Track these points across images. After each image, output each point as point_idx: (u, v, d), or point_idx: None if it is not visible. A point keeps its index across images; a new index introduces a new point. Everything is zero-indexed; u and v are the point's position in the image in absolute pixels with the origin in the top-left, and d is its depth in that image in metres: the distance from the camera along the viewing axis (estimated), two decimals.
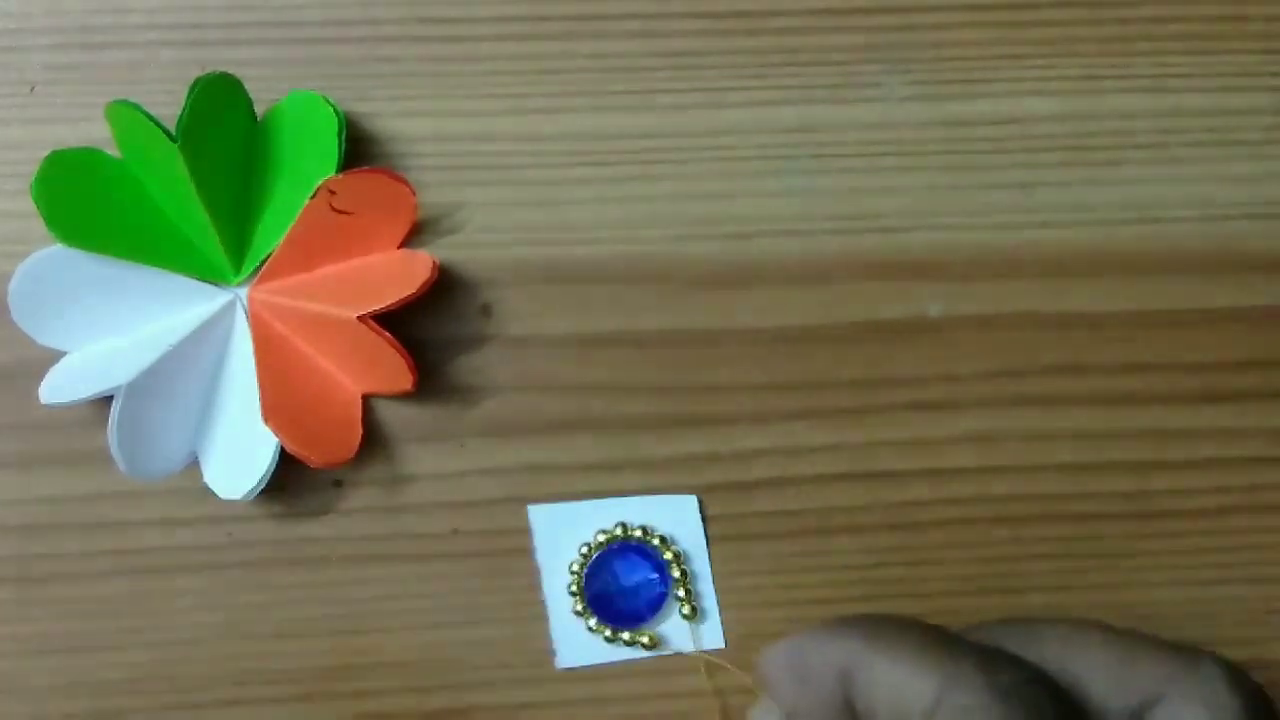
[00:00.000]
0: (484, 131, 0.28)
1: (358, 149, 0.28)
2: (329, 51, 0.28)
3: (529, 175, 0.28)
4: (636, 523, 0.27)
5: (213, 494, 0.26)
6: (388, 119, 0.28)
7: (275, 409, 0.26)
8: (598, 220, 0.28)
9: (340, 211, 0.26)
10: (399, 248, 0.28)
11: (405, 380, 0.27)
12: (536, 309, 0.28)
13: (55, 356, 0.27)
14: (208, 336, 0.27)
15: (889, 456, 0.28)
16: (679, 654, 0.27)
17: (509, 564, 0.27)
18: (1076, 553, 0.28)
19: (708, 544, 0.28)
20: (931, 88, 0.29)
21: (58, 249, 0.26)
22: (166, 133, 0.25)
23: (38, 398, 0.26)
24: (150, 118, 0.25)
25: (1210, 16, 0.30)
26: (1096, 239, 0.29)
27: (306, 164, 0.27)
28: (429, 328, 0.28)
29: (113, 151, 0.26)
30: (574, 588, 0.27)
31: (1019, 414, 0.28)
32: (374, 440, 0.28)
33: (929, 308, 0.29)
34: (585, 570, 0.27)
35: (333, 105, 0.27)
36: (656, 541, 0.27)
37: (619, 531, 0.27)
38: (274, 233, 0.27)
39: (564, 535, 0.27)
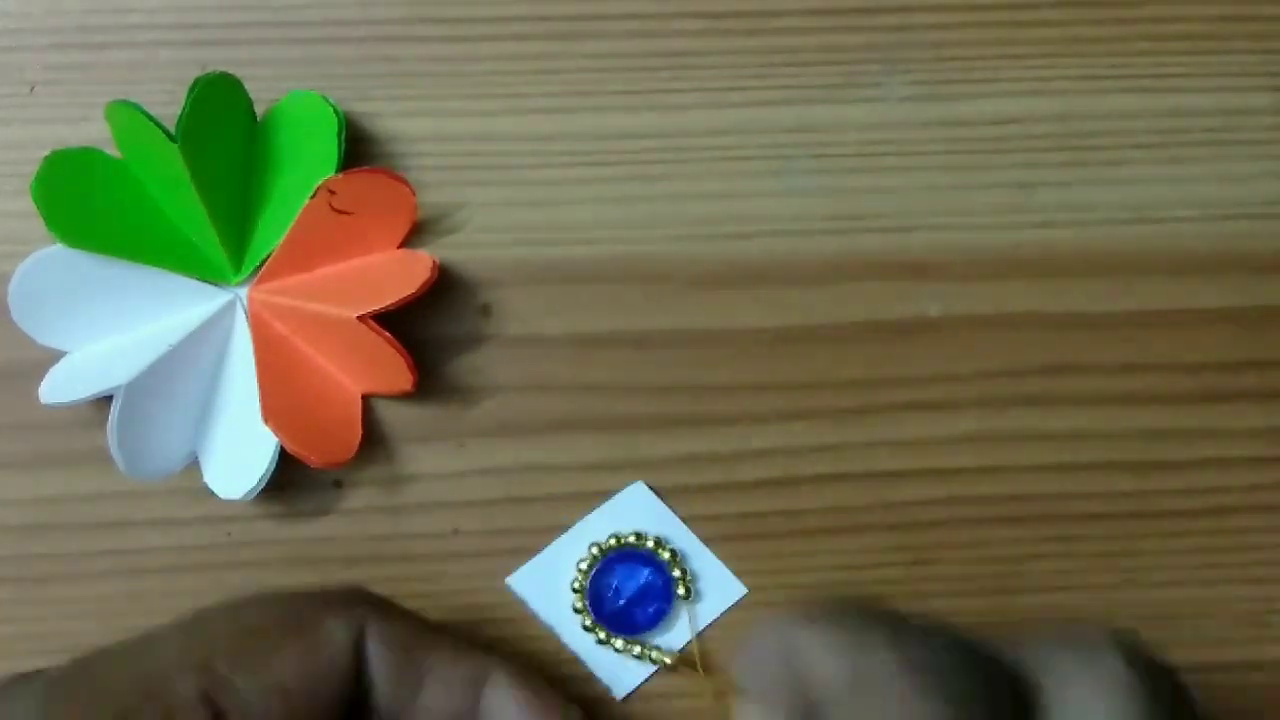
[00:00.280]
0: (484, 131, 0.28)
1: (358, 149, 0.28)
2: (329, 51, 0.29)
3: (529, 175, 0.28)
4: (606, 534, 0.27)
5: (213, 494, 0.26)
6: (388, 119, 0.28)
7: (275, 409, 0.26)
8: (597, 220, 0.28)
9: (340, 211, 0.26)
10: (399, 248, 0.28)
11: (405, 380, 0.27)
12: (536, 309, 0.28)
13: (55, 356, 0.27)
14: (208, 336, 0.27)
15: (889, 456, 0.28)
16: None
17: (509, 564, 0.27)
18: (1076, 553, 0.28)
19: (677, 516, 0.27)
20: (931, 88, 0.29)
21: (58, 249, 0.26)
22: (166, 132, 0.25)
23: (38, 398, 0.26)
24: (150, 117, 0.25)
25: (1210, 16, 0.30)
26: (1096, 239, 0.29)
27: (306, 164, 0.27)
28: (429, 328, 0.28)
29: (113, 151, 0.26)
30: (587, 623, 0.27)
31: (1019, 414, 0.28)
32: (374, 440, 0.28)
33: (929, 308, 0.29)
34: (587, 599, 0.27)
35: (333, 105, 0.27)
36: (651, 544, 0.27)
37: (613, 542, 0.27)
38: (274, 233, 0.27)
39: (550, 585, 0.27)
